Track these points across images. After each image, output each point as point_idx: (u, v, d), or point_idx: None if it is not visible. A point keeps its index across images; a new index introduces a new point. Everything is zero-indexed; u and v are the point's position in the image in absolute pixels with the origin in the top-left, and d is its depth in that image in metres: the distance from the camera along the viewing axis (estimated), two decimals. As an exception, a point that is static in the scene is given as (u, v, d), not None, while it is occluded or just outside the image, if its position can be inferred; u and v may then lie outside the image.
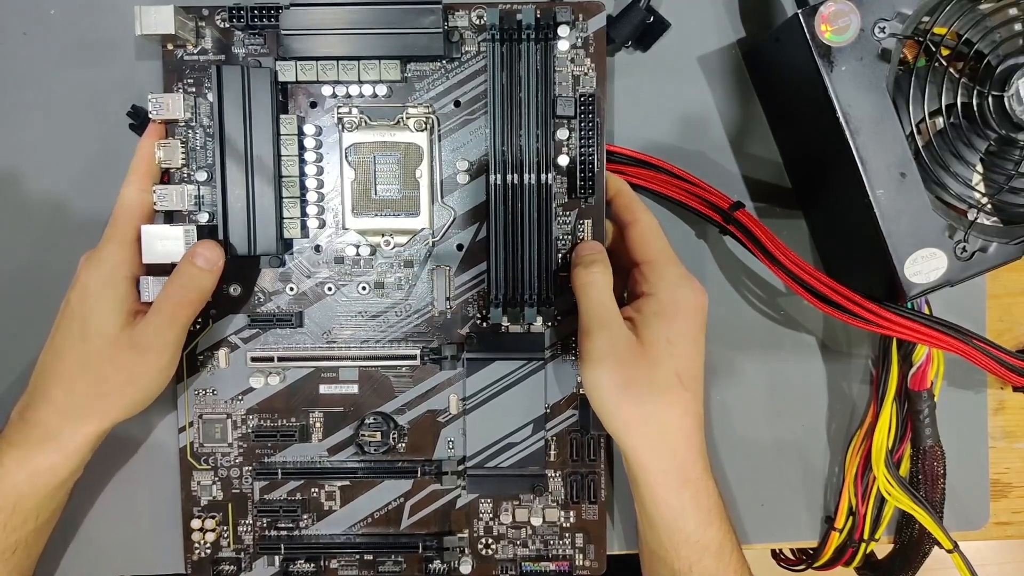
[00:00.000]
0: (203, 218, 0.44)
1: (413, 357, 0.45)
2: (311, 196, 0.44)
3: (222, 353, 0.45)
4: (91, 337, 0.40)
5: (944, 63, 0.40)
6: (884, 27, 0.40)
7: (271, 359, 0.45)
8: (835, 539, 0.49)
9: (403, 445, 0.46)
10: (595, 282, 0.41)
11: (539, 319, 0.45)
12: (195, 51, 0.44)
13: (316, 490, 0.46)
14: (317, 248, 0.45)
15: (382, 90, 0.44)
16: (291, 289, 0.45)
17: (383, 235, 0.45)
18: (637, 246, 0.42)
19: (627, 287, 0.44)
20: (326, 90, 0.44)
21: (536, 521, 0.46)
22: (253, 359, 0.45)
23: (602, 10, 0.44)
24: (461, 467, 0.45)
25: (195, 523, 0.46)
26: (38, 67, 0.46)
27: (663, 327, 0.40)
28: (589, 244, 0.44)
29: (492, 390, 0.44)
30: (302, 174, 0.44)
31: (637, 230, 0.42)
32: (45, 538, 0.44)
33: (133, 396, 0.41)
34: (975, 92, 0.40)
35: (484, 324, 0.45)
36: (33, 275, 0.46)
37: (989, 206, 0.42)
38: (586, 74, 0.44)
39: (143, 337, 0.40)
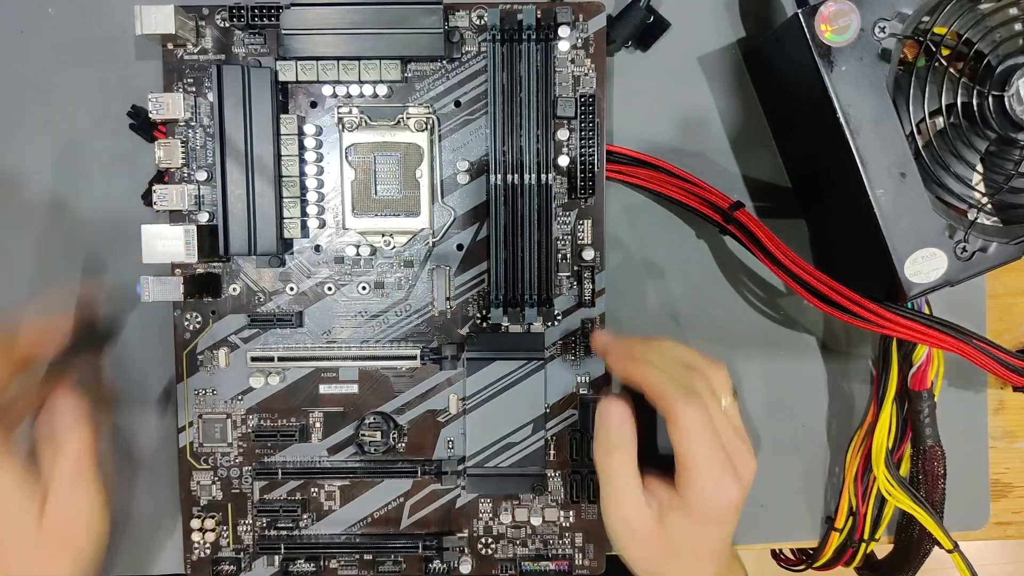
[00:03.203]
0: (203, 218, 0.44)
1: (413, 357, 0.45)
2: (311, 196, 0.44)
3: (222, 353, 0.45)
4: (14, 546, 0.39)
5: (944, 63, 0.40)
6: (884, 27, 0.40)
7: (271, 359, 0.45)
8: (835, 539, 0.49)
9: (403, 445, 0.46)
10: (617, 472, 0.39)
11: (539, 319, 0.45)
12: (195, 51, 0.44)
13: (316, 490, 0.46)
14: (317, 248, 0.45)
15: (382, 90, 0.44)
16: (291, 289, 0.45)
17: (383, 235, 0.45)
18: (674, 445, 0.38)
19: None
20: (326, 90, 0.44)
21: (536, 521, 0.46)
22: (253, 359, 0.45)
23: (602, 10, 0.44)
24: (461, 467, 0.45)
25: (195, 523, 0.46)
26: (38, 67, 0.46)
27: (686, 528, 0.39)
28: (613, 413, 0.40)
29: (492, 390, 0.44)
30: (302, 174, 0.44)
31: (675, 432, 0.38)
32: None
33: (88, 544, 0.40)
34: (975, 92, 0.40)
35: (484, 324, 0.45)
36: (32, 275, 0.46)
37: (989, 206, 0.42)
38: (586, 74, 0.44)
39: (62, 517, 0.39)
